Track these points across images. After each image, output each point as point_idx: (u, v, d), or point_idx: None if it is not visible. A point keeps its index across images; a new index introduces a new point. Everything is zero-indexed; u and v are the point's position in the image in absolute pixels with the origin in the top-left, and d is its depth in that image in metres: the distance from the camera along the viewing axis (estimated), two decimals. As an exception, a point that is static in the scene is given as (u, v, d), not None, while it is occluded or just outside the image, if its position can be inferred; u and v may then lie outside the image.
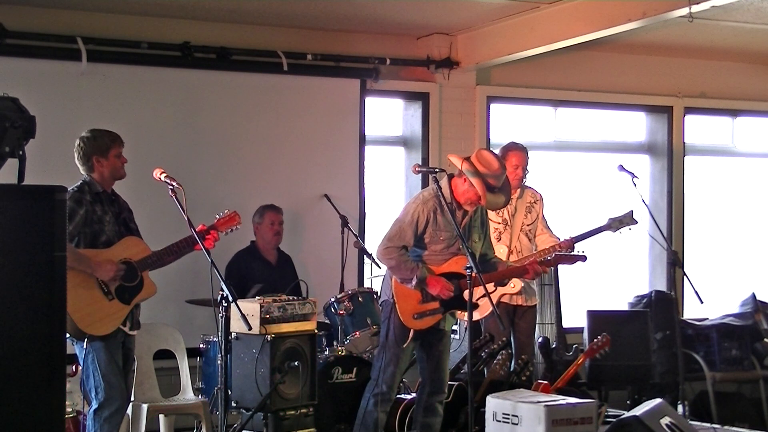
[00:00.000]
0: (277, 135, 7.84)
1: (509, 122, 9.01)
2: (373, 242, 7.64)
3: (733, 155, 10.08)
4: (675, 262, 6.81)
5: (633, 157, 9.36)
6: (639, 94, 9.36)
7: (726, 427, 7.00)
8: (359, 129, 8.15)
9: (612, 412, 6.94)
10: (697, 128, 9.81)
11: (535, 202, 7.01)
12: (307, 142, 7.93)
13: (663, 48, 9.01)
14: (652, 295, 8.49)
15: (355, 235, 7.59)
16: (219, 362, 5.56)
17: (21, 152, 3.52)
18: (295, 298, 6.17)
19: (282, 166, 7.84)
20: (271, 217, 7.20)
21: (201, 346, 6.60)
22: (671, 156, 9.50)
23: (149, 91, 7.45)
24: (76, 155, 5.45)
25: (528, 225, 6.95)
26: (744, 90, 9.79)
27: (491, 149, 6.90)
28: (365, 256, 7.63)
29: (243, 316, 5.31)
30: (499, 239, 6.81)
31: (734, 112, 9.94)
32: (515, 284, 6.73)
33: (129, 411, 6.01)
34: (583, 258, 6.21)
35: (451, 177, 5.81)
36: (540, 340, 7.55)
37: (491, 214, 6.28)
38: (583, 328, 7.88)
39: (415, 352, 5.95)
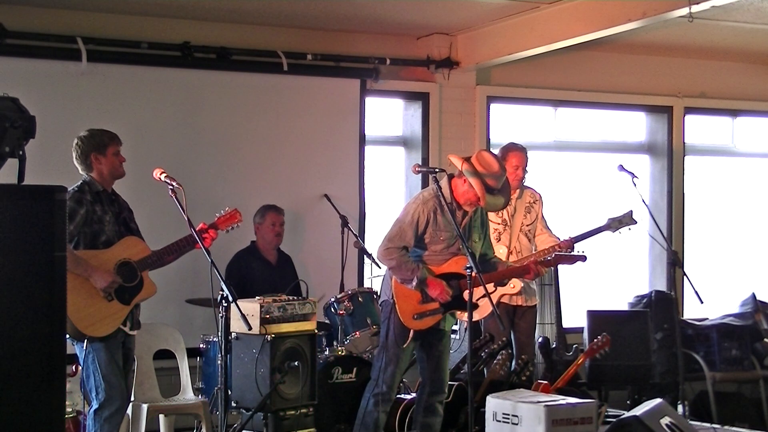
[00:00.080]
0: (277, 135, 7.84)
1: (509, 122, 9.01)
2: (373, 242, 7.65)
3: (733, 155, 10.08)
4: (675, 262, 6.81)
5: (633, 157, 9.36)
6: (639, 94, 9.36)
7: (726, 427, 7.00)
8: (359, 129, 8.15)
9: (612, 412, 6.94)
10: (697, 128, 9.81)
11: (534, 202, 7.01)
12: (307, 142, 7.93)
13: (663, 48, 9.01)
14: (652, 295, 8.49)
15: (355, 235, 7.59)
16: (219, 362, 5.55)
17: (21, 152, 3.52)
18: (295, 298, 6.17)
19: (282, 166, 7.84)
20: (273, 217, 7.20)
21: (201, 346, 6.60)
22: (671, 156, 9.50)
23: (149, 91, 7.45)
24: (74, 155, 5.45)
25: (527, 225, 6.95)
26: (744, 90, 9.79)
27: (491, 150, 6.91)
28: (365, 256, 7.63)
29: (243, 316, 5.30)
30: (499, 239, 6.81)
31: (734, 112, 9.94)
32: (515, 284, 6.73)
33: (129, 411, 6.01)
34: (583, 258, 6.21)
35: (451, 177, 5.81)
36: (540, 340, 7.55)
37: (491, 214, 6.27)
38: (583, 328, 7.88)
39: (415, 352, 5.95)
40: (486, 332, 6.75)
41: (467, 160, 5.70)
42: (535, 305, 7.12)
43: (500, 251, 6.66)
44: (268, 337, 5.85)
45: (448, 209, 5.63)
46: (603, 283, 9.30)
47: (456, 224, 5.60)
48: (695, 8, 6.41)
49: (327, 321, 6.98)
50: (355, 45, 8.17)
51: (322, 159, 7.97)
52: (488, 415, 5.59)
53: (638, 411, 5.94)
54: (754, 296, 8.84)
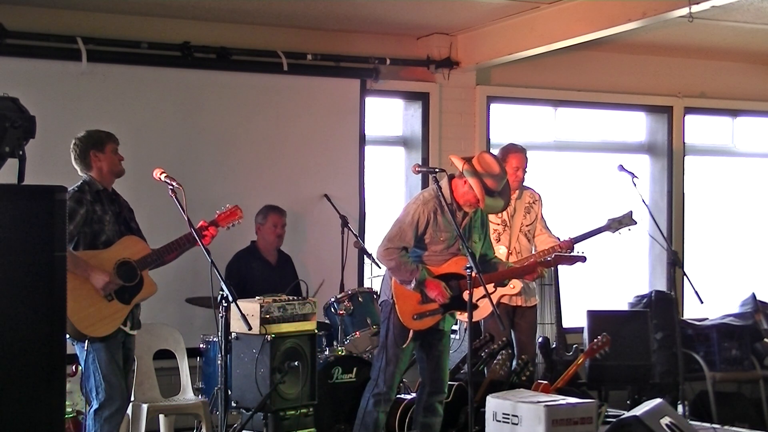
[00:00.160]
0: (277, 135, 7.84)
1: (509, 122, 9.00)
2: (373, 242, 7.65)
3: (733, 155, 10.08)
4: (675, 262, 6.81)
5: (633, 157, 9.35)
6: (639, 94, 9.36)
7: (726, 427, 7.00)
8: (359, 129, 8.15)
9: (612, 412, 6.93)
10: (697, 128, 9.80)
11: (533, 203, 7.01)
12: (307, 142, 7.93)
13: (663, 48, 9.00)
14: (652, 295, 8.49)
15: (355, 235, 7.59)
16: (219, 362, 5.55)
17: (21, 152, 3.52)
18: (295, 298, 6.17)
19: (282, 166, 7.84)
20: (274, 219, 7.19)
21: (201, 346, 6.60)
22: (671, 156, 9.49)
23: (149, 91, 7.45)
24: (73, 155, 5.45)
25: (527, 225, 6.95)
26: (744, 90, 9.79)
27: (491, 150, 6.91)
28: (365, 256, 7.63)
29: (243, 316, 5.31)
30: (498, 240, 6.81)
31: (734, 112, 9.94)
32: (515, 285, 6.73)
33: (129, 411, 6.01)
34: (583, 259, 6.23)
35: (451, 177, 5.80)
36: (540, 340, 7.55)
37: (490, 215, 6.27)
38: (583, 328, 7.88)
39: (415, 352, 5.95)
40: (486, 332, 6.75)
41: (468, 161, 5.70)
42: (535, 305, 7.12)
43: (500, 252, 6.67)
44: (268, 337, 5.85)
45: (449, 210, 5.63)
46: (603, 283, 9.30)
47: (456, 225, 5.59)
48: (695, 8, 6.40)
49: (327, 321, 6.97)
50: (355, 45, 8.17)
51: (322, 159, 7.97)
52: (488, 415, 5.59)
53: (638, 411, 5.94)
54: (754, 296, 8.84)
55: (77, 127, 5.73)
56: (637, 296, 8.62)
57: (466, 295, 5.47)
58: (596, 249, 6.91)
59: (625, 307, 8.57)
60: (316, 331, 6.19)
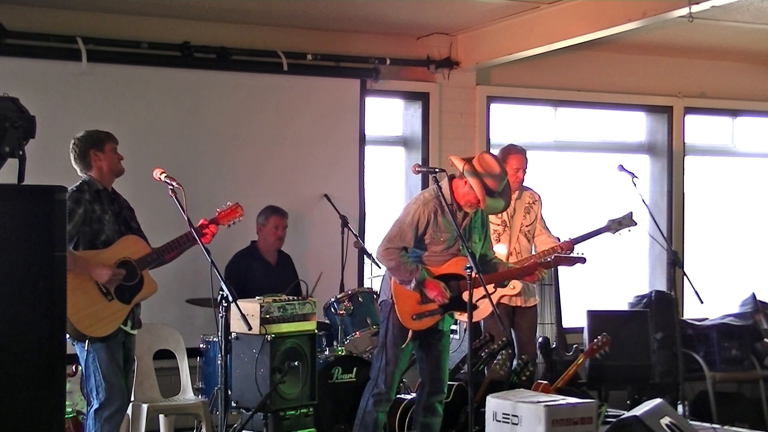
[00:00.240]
0: (277, 135, 7.84)
1: (509, 122, 9.00)
2: (373, 242, 7.65)
3: (733, 155, 10.08)
4: (675, 262, 6.81)
5: (633, 157, 9.35)
6: (639, 94, 9.36)
7: (726, 427, 7.00)
8: (359, 129, 8.15)
9: (612, 412, 6.92)
10: (697, 128, 9.80)
11: (533, 203, 7.01)
12: (307, 142, 7.93)
13: (663, 48, 9.00)
14: (652, 295, 8.49)
15: (355, 235, 7.60)
16: (219, 362, 5.55)
17: (21, 152, 3.51)
18: (295, 298, 6.17)
19: (282, 166, 7.84)
20: (276, 221, 7.19)
21: (201, 346, 6.60)
22: (671, 156, 9.49)
23: (149, 91, 7.45)
24: (72, 156, 5.44)
25: (527, 226, 6.95)
26: (744, 90, 9.79)
27: (492, 151, 6.91)
28: (365, 256, 7.63)
29: (243, 316, 5.30)
30: (498, 240, 6.81)
31: (734, 112, 9.94)
32: (515, 286, 6.74)
33: (129, 411, 6.01)
34: (583, 260, 6.24)
35: (451, 178, 5.80)
36: (540, 340, 7.55)
37: (490, 215, 6.27)
38: (583, 328, 7.87)
39: (415, 352, 5.95)
40: (486, 332, 6.75)
41: (468, 161, 5.70)
42: (535, 305, 7.12)
43: (500, 252, 6.66)
44: (268, 337, 5.85)
45: (449, 210, 5.63)
46: (603, 283, 9.30)
47: (456, 225, 5.59)
48: (695, 8, 6.40)
49: (327, 321, 6.98)
50: (355, 45, 8.17)
51: (322, 159, 7.97)
52: (488, 415, 5.59)
53: (638, 411, 5.94)
54: (754, 296, 8.84)
55: (77, 127, 5.73)
56: (637, 296, 8.62)
57: (465, 296, 5.47)
58: (596, 249, 6.91)
59: (625, 307, 8.57)
60: (316, 331, 6.19)
